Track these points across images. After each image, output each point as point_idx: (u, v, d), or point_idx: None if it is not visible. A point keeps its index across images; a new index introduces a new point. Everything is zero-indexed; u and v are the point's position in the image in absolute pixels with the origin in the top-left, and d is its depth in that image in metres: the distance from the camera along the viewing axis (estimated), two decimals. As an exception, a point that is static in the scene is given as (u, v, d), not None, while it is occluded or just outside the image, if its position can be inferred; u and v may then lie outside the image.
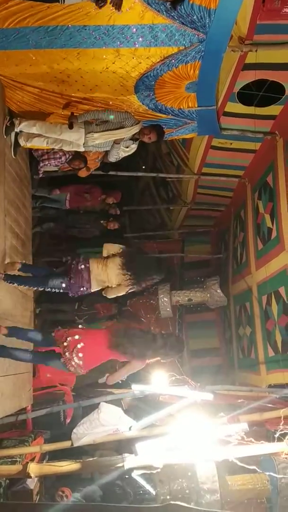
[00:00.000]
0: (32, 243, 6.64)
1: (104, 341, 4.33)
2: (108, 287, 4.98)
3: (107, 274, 4.85)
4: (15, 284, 4.91)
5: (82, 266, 4.80)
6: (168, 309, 8.25)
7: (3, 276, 4.74)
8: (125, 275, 4.81)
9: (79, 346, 4.21)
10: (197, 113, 5.49)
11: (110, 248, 5.04)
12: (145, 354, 4.27)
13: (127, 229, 9.83)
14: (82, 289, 4.85)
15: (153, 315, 8.16)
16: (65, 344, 4.24)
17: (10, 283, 4.82)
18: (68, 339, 4.26)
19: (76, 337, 4.28)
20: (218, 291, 8.13)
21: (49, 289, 4.88)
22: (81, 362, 4.19)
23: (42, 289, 4.99)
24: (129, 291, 5.03)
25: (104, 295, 5.14)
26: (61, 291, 4.88)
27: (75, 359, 4.18)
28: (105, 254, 5.00)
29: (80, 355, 4.18)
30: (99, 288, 4.98)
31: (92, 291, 4.95)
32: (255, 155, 6.45)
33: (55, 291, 4.91)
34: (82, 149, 5.30)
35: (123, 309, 8.26)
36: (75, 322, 6.87)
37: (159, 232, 9.78)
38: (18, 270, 4.97)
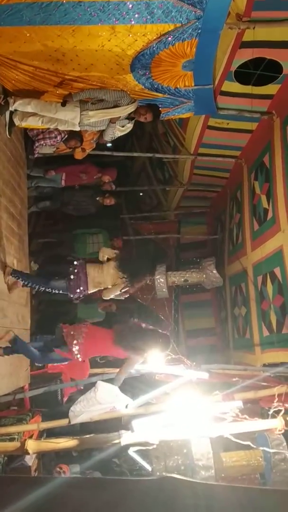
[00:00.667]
0: (28, 224, 6.62)
1: (107, 337, 4.81)
2: (104, 288, 5.46)
3: (103, 276, 5.32)
4: (20, 280, 5.24)
5: (80, 271, 5.30)
6: (164, 289, 8.30)
7: (10, 270, 5.12)
8: (120, 276, 5.30)
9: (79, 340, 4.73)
10: (194, 92, 5.44)
11: (106, 252, 5.52)
12: (144, 349, 4.68)
13: (123, 210, 9.80)
14: (79, 289, 5.31)
15: (150, 295, 8.20)
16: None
17: (16, 277, 5.19)
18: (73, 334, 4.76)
19: (82, 329, 4.78)
20: (214, 271, 8.16)
21: (49, 289, 5.34)
22: (78, 357, 4.75)
23: (44, 288, 5.39)
24: (123, 290, 5.49)
25: (102, 297, 5.66)
26: (61, 291, 5.35)
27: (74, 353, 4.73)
28: (101, 257, 5.47)
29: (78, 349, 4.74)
30: (95, 290, 5.45)
31: (89, 292, 5.41)
32: (251, 135, 6.40)
33: (55, 292, 5.37)
34: (77, 128, 5.26)
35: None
36: (71, 302, 6.89)
37: (155, 213, 9.76)
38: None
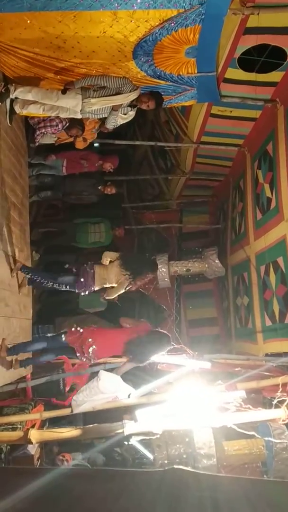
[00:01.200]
0: (29, 213, 6.59)
1: (116, 342, 4.75)
2: (108, 288, 5.55)
3: (107, 274, 5.42)
4: (29, 275, 5.43)
5: (89, 269, 5.41)
6: (166, 279, 8.28)
7: (20, 265, 5.26)
8: (124, 274, 5.37)
9: (90, 349, 4.64)
10: (197, 80, 5.37)
11: (109, 256, 5.56)
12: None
13: (125, 199, 9.76)
14: (86, 285, 5.41)
15: (152, 285, 8.18)
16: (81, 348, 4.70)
17: (26, 273, 5.38)
18: (82, 347, 4.69)
19: (89, 340, 4.69)
20: (216, 261, 8.14)
21: (57, 285, 5.41)
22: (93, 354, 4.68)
23: (52, 284, 5.44)
24: (127, 288, 5.54)
25: (106, 297, 5.75)
26: (68, 288, 5.44)
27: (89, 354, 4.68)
28: (105, 262, 5.52)
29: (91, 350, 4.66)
30: (100, 287, 5.52)
31: (95, 289, 5.51)
32: (255, 123, 6.33)
33: (61, 288, 5.45)
34: (79, 116, 5.20)
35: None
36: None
37: (157, 202, 9.71)
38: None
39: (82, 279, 5.35)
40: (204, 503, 1.13)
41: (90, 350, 4.61)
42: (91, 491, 1.12)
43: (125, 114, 5.15)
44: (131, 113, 5.16)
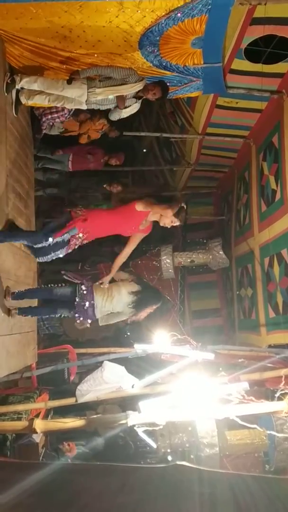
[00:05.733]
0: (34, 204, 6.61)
1: (109, 218, 4.52)
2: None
3: (111, 305, 4.95)
4: (29, 316, 5.09)
5: (87, 303, 4.85)
6: (170, 270, 8.31)
7: (13, 304, 4.80)
8: (130, 309, 4.95)
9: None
10: (203, 71, 5.34)
11: (122, 276, 5.20)
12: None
13: (130, 190, 9.75)
14: (88, 321, 4.98)
15: (156, 276, 8.21)
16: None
17: (24, 315, 4.93)
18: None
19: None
20: (220, 252, 8.16)
21: (59, 315, 5.03)
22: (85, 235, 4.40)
23: (54, 315, 5.13)
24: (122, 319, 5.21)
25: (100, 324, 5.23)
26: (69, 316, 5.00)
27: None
28: (117, 277, 5.12)
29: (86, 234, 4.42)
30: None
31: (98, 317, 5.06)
32: (261, 114, 6.30)
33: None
34: (84, 107, 5.19)
35: (125, 270, 8.30)
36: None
37: (162, 194, 9.69)
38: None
39: (78, 309, 4.88)
40: (206, 500, 1.15)
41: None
42: (90, 486, 1.14)
43: (129, 107, 5.13)
44: (136, 105, 5.14)
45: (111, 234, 4.66)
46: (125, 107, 5.10)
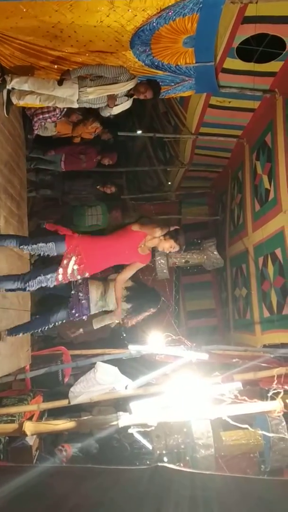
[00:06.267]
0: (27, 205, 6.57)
1: (105, 244, 4.36)
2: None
3: (105, 301, 5.05)
4: (20, 334, 4.97)
5: (81, 294, 4.93)
6: (165, 270, 8.29)
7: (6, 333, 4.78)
8: (124, 308, 4.97)
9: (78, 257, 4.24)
10: (195, 70, 5.32)
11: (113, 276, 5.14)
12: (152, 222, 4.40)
13: (124, 191, 9.73)
14: (82, 317, 4.99)
15: (150, 276, 8.19)
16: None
17: (15, 335, 4.87)
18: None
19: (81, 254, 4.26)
20: (214, 252, 8.15)
21: (52, 325, 5.01)
22: (81, 266, 4.23)
23: (47, 327, 5.06)
24: (116, 322, 5.27)
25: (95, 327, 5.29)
26: (64, 321, 5.02)
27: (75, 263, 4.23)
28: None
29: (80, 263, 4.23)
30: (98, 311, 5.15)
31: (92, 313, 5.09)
32: (253, 114, 6.30)
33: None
34: (75, 106, 5.17)
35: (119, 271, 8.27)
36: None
37: (156, 194, 9.69)
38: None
39: (73, 305, 4.93)
40: (192, 502, 1.12)
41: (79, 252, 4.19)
42: (75, 489, 1.11)
43: (120, 104, 5.11)
44: (127, 103, 5.12)
45: (110, 264, 4.54)
46: (116, 105, 5.08)
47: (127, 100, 5.08)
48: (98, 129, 6.51)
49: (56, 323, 5.00)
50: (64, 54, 5.02)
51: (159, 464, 1.12)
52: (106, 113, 5.24)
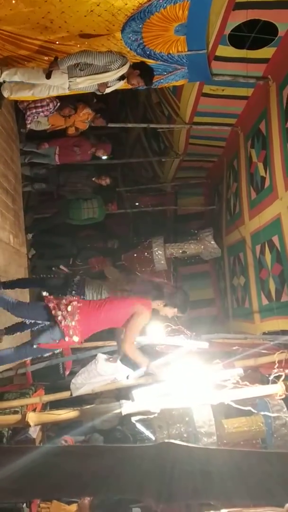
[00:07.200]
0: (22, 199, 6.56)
1: (103, 305, 4.06)
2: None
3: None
4: (18, 333, 4.71)
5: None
6: (162, 262, 8.28)
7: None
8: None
9: (76, 304, 3.99)
10: (187, 58, 5.29)
11: (109, 272, 5.30)
12: (149, 293, 4.03)
13: (119, 184, 9.70)
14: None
15: (148, 268, 8.19)
16: (60, 303, 3.98)
17: (12, 334, 4.69)
18: (63, 300, 4.03)
19: (74, 303, 4.02)
20: (212, 242, 8.14)
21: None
22: (76, 317, 3.90)
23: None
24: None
25: None
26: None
27: (70, 316, 3.90)
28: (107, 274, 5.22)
29: (77, 311, 3.93)
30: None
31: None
32: (247, 101, 6.27)
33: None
34: (67, 92, 5.10)
35: (117, 264, 8.28)
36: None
37: (152, 186, 9.66)
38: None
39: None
40: (197, 477, 1.13)
41: (75, 304, 3.93)
42: (80, 467, 1.11)
43: (111, 86, 5.05)
44: (119, 83, 5.02)
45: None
46: (108, 86, 5.02)
47: (119, 81, 5.00)
48: (90, 115, 6.45)
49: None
50: (55, 45, 4.98)
51: (166, 440, 1.12)
52: (97, 93, 5.18)
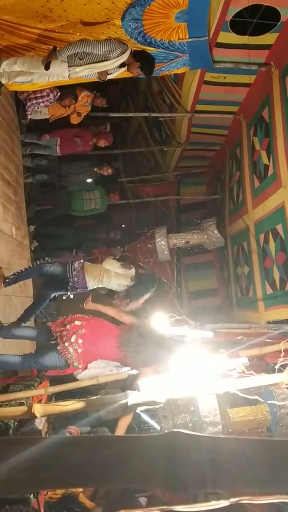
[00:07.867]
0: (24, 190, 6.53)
1: (112, 334, 4.05)
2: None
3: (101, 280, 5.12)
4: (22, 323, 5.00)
5: (79, 286, 4.98)
6: (165, 252, 8.26)
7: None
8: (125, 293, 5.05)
9: (80, 331, 3.99)
10: (189, 45, 5.22)
11: (114, 265, 5.20)
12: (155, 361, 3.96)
13: (121, 174, 9.66)
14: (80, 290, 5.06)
15: (151, 258, 8.17)
16: (64, 331, 4.01)
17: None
18: (67, 326, 4.03)
19: (78, 323, 4.04)
20: (215, 232, 8.10)
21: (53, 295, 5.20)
22: (79, 350, 3.95)
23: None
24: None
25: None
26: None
27: (73, 346, 3.94)
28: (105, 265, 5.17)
29: (80, 341, 3.94)
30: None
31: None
32: (250, 89, 6.20)
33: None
34: (67, 78, 5.05)
35: (121, 255, 8.26)
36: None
37: (154, 175, 9.61)
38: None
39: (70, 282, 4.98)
40: (205, 466, 1.12)
41: (80, 332, 3.94)
42: (87, 458, 1.11)
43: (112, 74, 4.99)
44: (121, 70, 4.96)
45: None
46: (109, 74, 4.96)
47: (120, 69, 4.94)
48: (89, 97, 6.39)
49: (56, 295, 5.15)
50: (54, 34, 4.92)
51: (174, 430, 1.12)
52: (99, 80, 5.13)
